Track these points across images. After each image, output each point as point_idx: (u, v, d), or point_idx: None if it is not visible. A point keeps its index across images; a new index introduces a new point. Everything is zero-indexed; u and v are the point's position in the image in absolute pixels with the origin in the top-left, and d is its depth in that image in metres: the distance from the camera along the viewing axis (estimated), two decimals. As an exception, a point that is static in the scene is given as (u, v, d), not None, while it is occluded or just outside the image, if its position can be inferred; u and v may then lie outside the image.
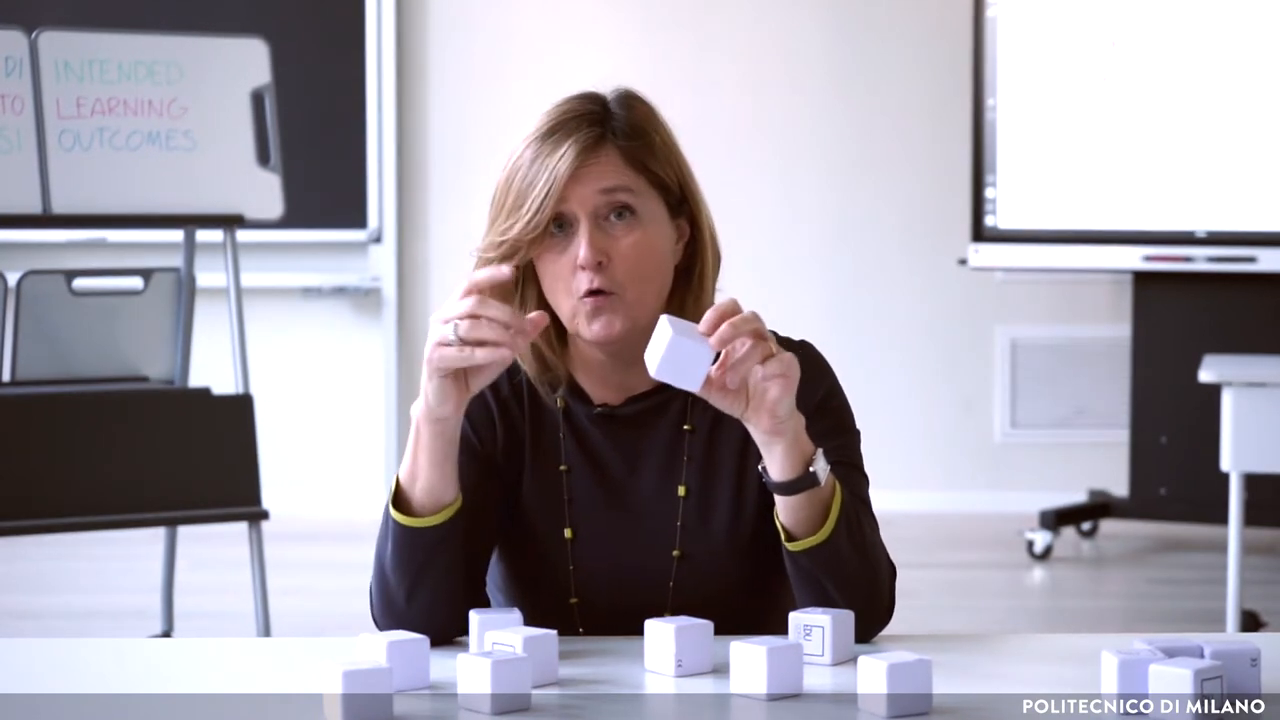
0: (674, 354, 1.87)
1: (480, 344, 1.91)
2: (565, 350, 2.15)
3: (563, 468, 2.13)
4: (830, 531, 1.96)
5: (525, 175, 2.07)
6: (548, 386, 2.15)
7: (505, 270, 1.93)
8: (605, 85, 2.15)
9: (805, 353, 2.15)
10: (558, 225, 2.07)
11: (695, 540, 2.10)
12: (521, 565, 2.13)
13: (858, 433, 2.15)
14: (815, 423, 2.09)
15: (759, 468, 1.97)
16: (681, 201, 2.13)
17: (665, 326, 1.88)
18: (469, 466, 2.09)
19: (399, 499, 2.01)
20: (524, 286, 2.12)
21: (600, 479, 2.13)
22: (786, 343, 2.16)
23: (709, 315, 1.88)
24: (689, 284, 2.14)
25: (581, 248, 2.05)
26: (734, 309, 1.88)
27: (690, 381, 1.88)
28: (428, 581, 2.00)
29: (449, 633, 1.99)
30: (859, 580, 1.99)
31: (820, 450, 1.95)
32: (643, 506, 2.12)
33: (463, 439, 2.09)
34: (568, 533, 2.12)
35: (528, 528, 2.12)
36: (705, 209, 2.15)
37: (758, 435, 1.94)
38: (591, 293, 2.05)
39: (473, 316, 1.91)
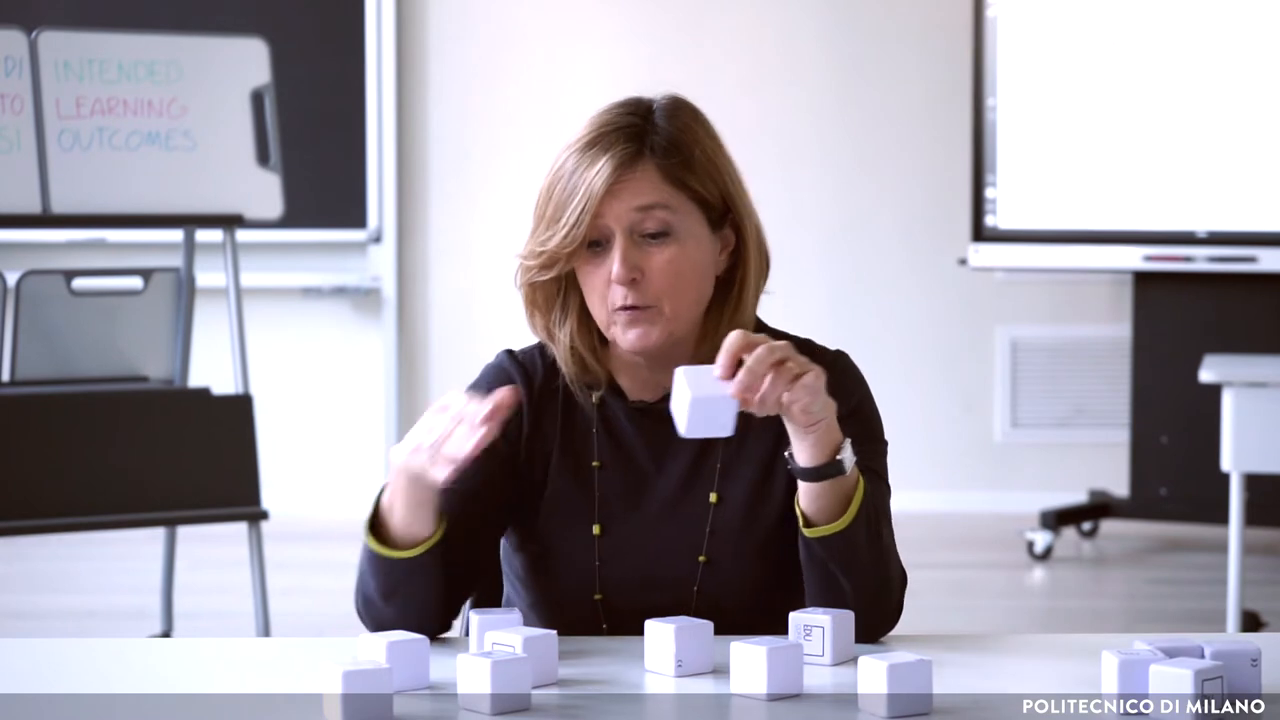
0: (698, 414, 1.88)
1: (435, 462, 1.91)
2: (605, 350, 2.15)
3: (595, 464, 2.13)
4: (850, 521, 1.97)
5: (564, 187, 2.08)
6: (586, 388, 2.15)
7: (488, 409, 1.90)
8: (655, 90, 2.16)
9: (840, 364, 2.17)
10: (594, 240, 2.08)
11: (722, 547, 2.11)
12: (546, 560, 2.13)
13: (885, 443, 2.16)
14: (845, 429, 2.10)
15: (785, 454, 1.97)
16: (725, 214, 2.13)
17: (684, 387, 1.87)
18: (483, 461, 2.10)
19: (378, 520, 2.02)
20: (566, 292, 2.13)
21: (631, 477, 2.13)
22: (822, 353, 2.16)
23: (722, 358, 1.88)
24: (729, 295, 2.14)
25: (615, 264, 2.06)
26: (745, 346, 1.88)
27: (722, 429, 1.89)
28: (403, 596, 2.02)
29: (429, 633, 1.98)
30: (870, 576, 2.00)
31: (848, 440, 1.96)
32: (671, 508, 2.13)
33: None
34: (596, 529, 2.12)
35: (555, 523, 2.12)
36: (751, 216, 2.15)
37: (791, 426, 1.95)
38: (625, 308, 2.06)
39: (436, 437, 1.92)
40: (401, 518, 2.01)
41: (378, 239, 7.06)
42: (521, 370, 2.17)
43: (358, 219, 7.03)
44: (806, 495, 1.98)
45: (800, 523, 2.00)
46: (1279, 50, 6.10)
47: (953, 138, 6.81)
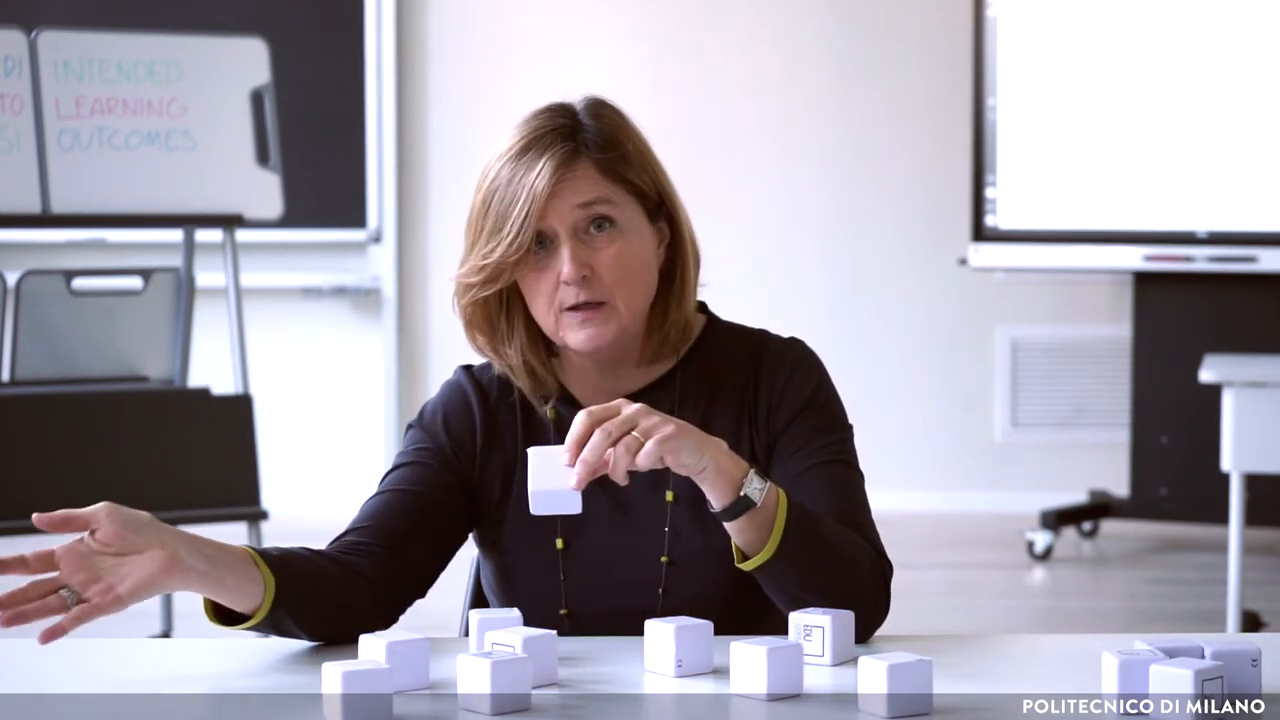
0: (541, 500, 1.90)
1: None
2: (554, 360, 2.15)
3: None
4: (775, 548, 1.94)
5: (503, 196, 2.07)
6: (540, 399, 2.15)
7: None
8: (574, 94, 2.16)
9: (795, 350, 2.16)
10: (538, 243, 2.07)
11: (684, 545, 2.10)
12: (512, 575, 2.14)
13: (849, 428, 2.14)
14: (804, 420, 2.09)
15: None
16: (659, 205, 2.13)
17: (531, 475, 1.89)
18: (436, 477, 2.11)
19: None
20: (508, 308, 2.12)
21: (591, 488, 2.12)
22: (776, 341, 2.16)
23: (568, 447, 1.87)
24: (671, 287, 2.14)
25: (565, 264, 2.05)
26: (586, 432, 1.87)
27: (571, 508, 1.91)
28: (298, 633, 1.98)
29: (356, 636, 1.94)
30: (827, 584, 1.97)
31: (752, 470, 1.94)
32: (632, 512, 2.12)
33: (435, 452, 2.13)
34: (559, 543, 2.12)
35: (518, 537, 2.12)
36: (683, 209, 2.16)
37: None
38: (578, 306, 2.06)
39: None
40: (222, 599, 1.94)
41: (378, 239, 7.06)
42: (476, 386, 2.17)
43: (358, 219, 7.03)
44: (732, 532, 1.97)
45: (736, 559, 1.98)
46: (1279, 50, 6.10)
47: (953, 138, 6.81)
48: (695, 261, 2.16)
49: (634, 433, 1.88)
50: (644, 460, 1.87)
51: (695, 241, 2.17)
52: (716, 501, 1.94)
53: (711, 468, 1.92)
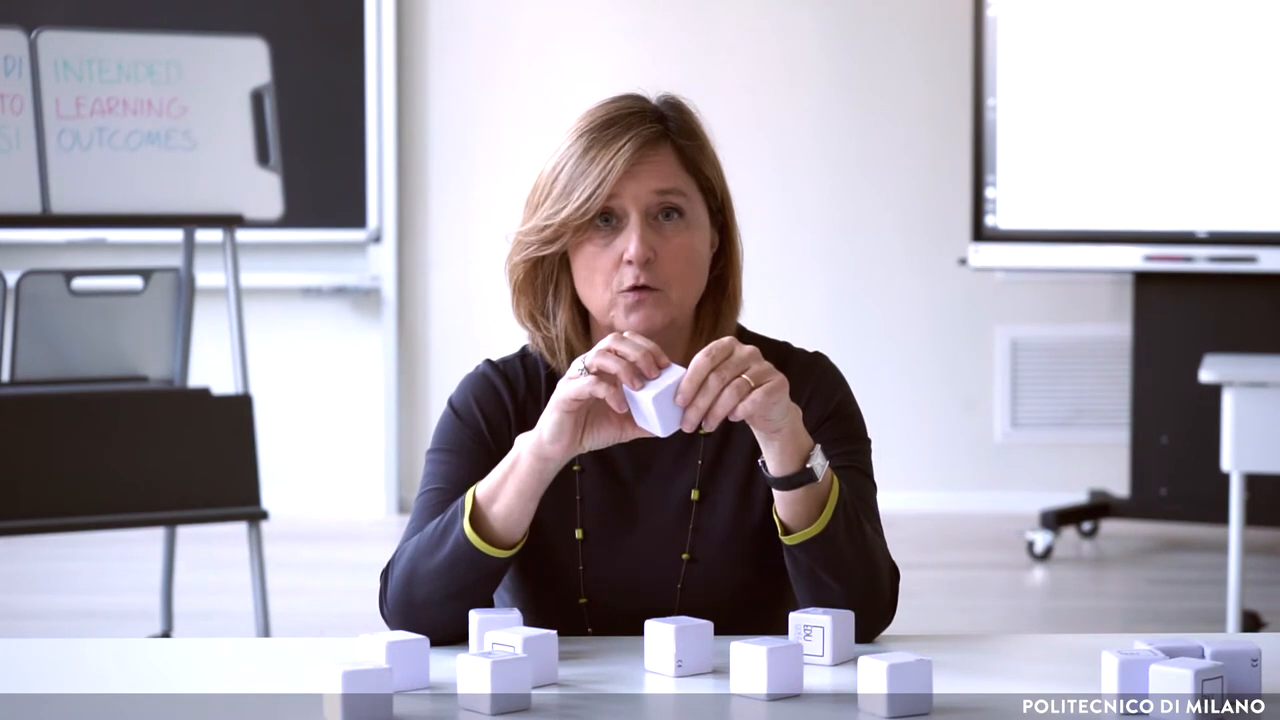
0: (644, 411, 1.91)
1: (601, 375, 1.90)
2: (587, 349, 2.15)
3: (576, 468, 2.13)
4: (826, 524, 1.96)
5: (579, 164, 2.07)
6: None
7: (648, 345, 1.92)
8: (630, 88, 2.17)
9: (819, 365, 2.17)
10: (604, 219, 2.07)
11: (705, 543, 2.11)
12: (531, 564, 2.13)
13: (868, 441, 2.16)
14: (826, 429, 2.10)
15: (759, 462, 1.97)
16: (719, 210, 2.15)
17: (655, 385, 1.90)
18: (481, 463, 2.10)
19: (473, 515, 2.01)
20: (557, 278, 2.12)
21: (613, 481, 2.13)
22: (800, 355, 2.16)
23: (686, 390, 1.88)
24: (724, 294, 2.15)
25: (633, 243, 2.05)
26: (705, 374, 1.88)
27: (656, 431, 1.92)
28: (463, 602, 2.00)
29: (447, 641, 1.98)
30: (856, 576, 2.00)
31: (818, 446, 1.95)
32: (654, 509, 2.13)
33: (477, 436, 2.12)
34: (579, 533, 2.12)
35: (539, 527, 2.12)
36: (737, 223, 2.17)
37: (756, 432, 1.95)
38: (636, 288, 2.06)
39: (603, 351, 1.91)
40: (505, 509, 1.99)
41: (378, 239, 7.06)
42: (504, 378, 2.17)
43: (358, 219, 7.03)
44: (781, 503, 1.98)
45: (779, 531, 1.99)
46: (1279, 50, 6.10)
47: (953, 138, 6.81)
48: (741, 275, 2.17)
49: (745, 376, 1.89)
50: (745, 409, 1.88)
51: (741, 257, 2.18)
52: (781, 467, 1.94)
53: (788, 431, 1.93)
